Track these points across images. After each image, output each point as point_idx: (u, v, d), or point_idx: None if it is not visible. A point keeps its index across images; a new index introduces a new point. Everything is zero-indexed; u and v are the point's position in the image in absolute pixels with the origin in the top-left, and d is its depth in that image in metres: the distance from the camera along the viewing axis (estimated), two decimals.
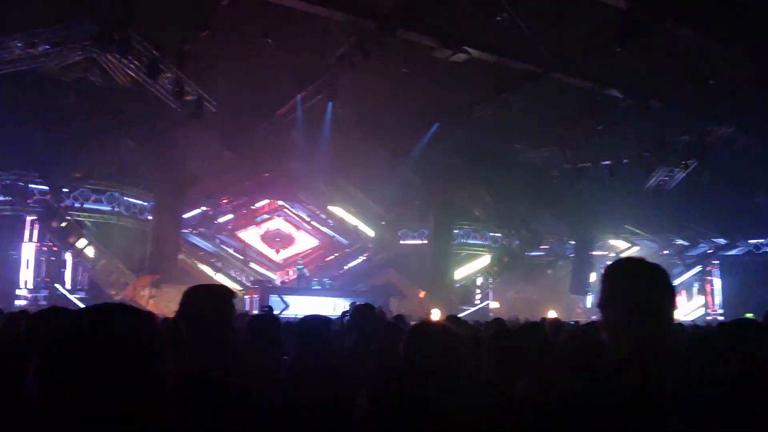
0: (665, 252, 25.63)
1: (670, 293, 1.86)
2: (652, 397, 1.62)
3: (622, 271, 1.93)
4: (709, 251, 25.62)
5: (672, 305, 1.87)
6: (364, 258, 24.85)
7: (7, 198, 17.33)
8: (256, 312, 14.11)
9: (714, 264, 25.67)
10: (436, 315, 15.17)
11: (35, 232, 18.04)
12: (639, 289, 1.83)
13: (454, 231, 24.32)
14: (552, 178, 22.53)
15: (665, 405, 1.62)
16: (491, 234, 25.18)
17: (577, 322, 8.17)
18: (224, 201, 22.58)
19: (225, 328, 2.30)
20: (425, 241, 24.24)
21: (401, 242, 24.84)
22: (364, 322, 4.34)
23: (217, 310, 2.29)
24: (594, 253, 24.43)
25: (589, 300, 23.74)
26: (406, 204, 23.79)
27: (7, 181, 17.20)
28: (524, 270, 25.00)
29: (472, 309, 22.69)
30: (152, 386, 1.21)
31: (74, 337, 1.14)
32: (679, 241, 25.90)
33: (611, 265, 1.97)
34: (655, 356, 1.70)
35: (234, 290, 2.44)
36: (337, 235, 24.80)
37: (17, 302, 16.14)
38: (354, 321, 4.49)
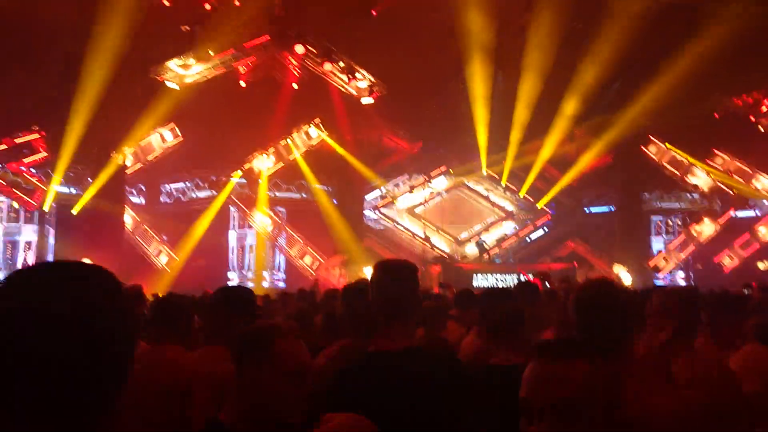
0: None
1: None
2: None
3: None
4: None
5: None
6: (546, 230, 23.85)
7: (212, 192, 19.40)
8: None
9: None
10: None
11: (236, 221, 20.09)
12: None
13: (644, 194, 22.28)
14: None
15: None
16: (688, 195, 22.63)
17: None
18: (403, 180, 23.03)
19: (414, 302, 2.28)
20: (612, 208, 22.63)
21: (585, 210, 23.45)
22: None
23: (406, 284, 2.26)
24: None
25: None
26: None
27: (213, 177, 19.26)
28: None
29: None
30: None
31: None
32: None
33: None
34: None
35: (416, 265, 2.38)
36: (516, 208, 24.09)
37: (228, 284, 18.10)
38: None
